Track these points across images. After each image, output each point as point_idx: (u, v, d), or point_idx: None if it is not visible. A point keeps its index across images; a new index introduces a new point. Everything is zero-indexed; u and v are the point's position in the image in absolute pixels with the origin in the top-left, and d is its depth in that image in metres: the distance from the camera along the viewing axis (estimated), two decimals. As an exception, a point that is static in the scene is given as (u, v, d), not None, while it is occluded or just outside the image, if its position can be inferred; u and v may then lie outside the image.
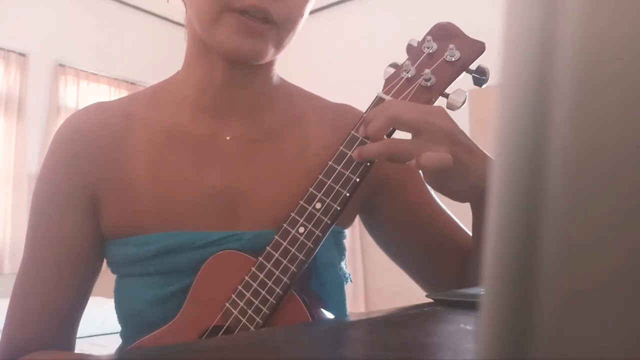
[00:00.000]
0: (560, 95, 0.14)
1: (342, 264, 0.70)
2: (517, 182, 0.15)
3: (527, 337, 0.14)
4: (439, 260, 0.73)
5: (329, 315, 0.62)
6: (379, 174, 0.69)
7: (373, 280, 3.81)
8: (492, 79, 0.60)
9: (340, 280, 0.67)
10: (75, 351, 0.72)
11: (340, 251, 0.70)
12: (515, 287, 0.14)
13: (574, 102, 0.13)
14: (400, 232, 0.74)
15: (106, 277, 0.73)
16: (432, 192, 0.74)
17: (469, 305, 0.50)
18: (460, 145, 0.54)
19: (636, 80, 0.13)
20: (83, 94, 4.16)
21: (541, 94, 0.14)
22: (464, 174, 0.55)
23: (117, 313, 0.69)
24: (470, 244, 0.69)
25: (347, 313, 0.70)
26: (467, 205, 0.61)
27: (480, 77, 0.59)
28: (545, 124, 0.14)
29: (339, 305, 0.66)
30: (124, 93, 4.31)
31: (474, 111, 3.27)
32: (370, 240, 0.79)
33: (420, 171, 0.60)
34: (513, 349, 0.14)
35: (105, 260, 0.71)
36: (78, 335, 0.71)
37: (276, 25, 0.61)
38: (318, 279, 0.65)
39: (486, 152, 0.58)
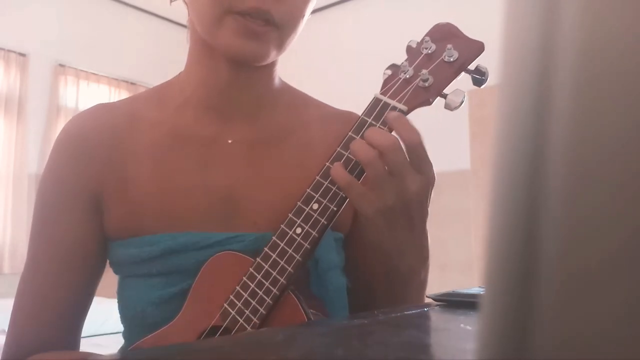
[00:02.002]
0: (561, 95, 0.14)
1: (343, 268, 0.70)
2: (517, 182, 0.15)
3: (527, 337, 0.14)
4: (358, 288, 0.74)
5: (326, 316, 0.62)
6: None
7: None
8: (492, 79, 0.60)
9: (341, 284, 0.67)
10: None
11: (341, 256, 0.70)
12: (515, 287, 0.14)
13: (574, 102, 0.13)
14: (348, 247, 0.74)
15: (107, 277, 0.73)
16: None
17: (469, 305, 0.50)
18: (405, 214, 0.57)
19: (636, 82, 0.13)
20: (83, 94, 4.16)
21: (541, 93, 0.14)
22: (382, 233, 0.59)
23: (120, 313, 0.69)
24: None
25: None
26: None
27: (479, 77, 0.59)
28: (545, 124, 0.14)
29: (341, 309, 0.66)
30: (124, 93, 4.31)
31: (473, 111, 3.27)
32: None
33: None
34: (513, 348, 0.14)
35: (108, 261, 0.71)
36: (78, 335, 0.71)
37: (277, 27, 0.62)
38: (320, 283, 0.65)
39: (425, 244, 0.62)
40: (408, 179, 0.55)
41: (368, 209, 0.56)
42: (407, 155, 0.56)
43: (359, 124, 0.59)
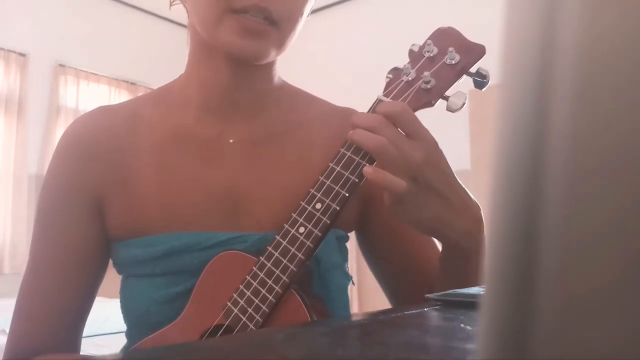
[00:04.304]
0: (560, 98, 0.14)
1: (345, 266, 0.70)
2: (517, 183, 0.15)
3: (527, 337, 0.14)
4: (406, 280, 0.75)
5: (327, 315, 0.62)
6: (371, 187, 0.69)
7: (365, 280, 3.80)
8: (492, 78, 0.60)
9: (343, 283, 0.67)
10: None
11: (344, 255, 0.70)
12: (515, 287, 0.14)
13: (573, 105, 0.13)
14: (376, 246, 0.75)
15: (107, 277, 0.73)
16: None
17: (469, 305, 0.50)
18: (426, 179, 0.55)
19: (636, 83, 0.13)
20: (83, 94, 4.16)
21: (541, 96, 0.14)
22: (419, 210, 0.56)
23: (122, 313, 0.69)
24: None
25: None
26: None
27: (480, 80, 0.59)
28: (545, 126, 0.14)
29: (342, 308, 0.66)
30: (124, 93, 4.31)
31: (474, 111, 3.27)
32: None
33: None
34: (513, 349, 0.14)
35: (110, 261, 0.71)
36: (79, 335, 0.71)
37: (277, 25, 0.62)
38: (322, 282, 0.65)
39: (468, 203, 0.59)
40: (407, 150, 0.54)
41: (399, 173, 0.54)
42: (401, 128, 0.56)
43: None
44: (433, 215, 0.57)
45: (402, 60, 0.63)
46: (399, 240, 0.74)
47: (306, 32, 0.70)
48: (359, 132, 0.55)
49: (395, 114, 0.55)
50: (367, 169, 0.55)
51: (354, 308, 3.81)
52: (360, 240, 0.78)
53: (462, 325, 0.43)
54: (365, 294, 3.88)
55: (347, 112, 0.76)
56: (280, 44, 0.64)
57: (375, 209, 0.73)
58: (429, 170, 0.55)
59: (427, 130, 0.56)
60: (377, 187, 0.55)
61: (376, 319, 0.46)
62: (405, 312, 0.49)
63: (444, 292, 0.56)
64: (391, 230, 0.73)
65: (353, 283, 0.72)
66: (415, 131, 0.56)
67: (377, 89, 0.62)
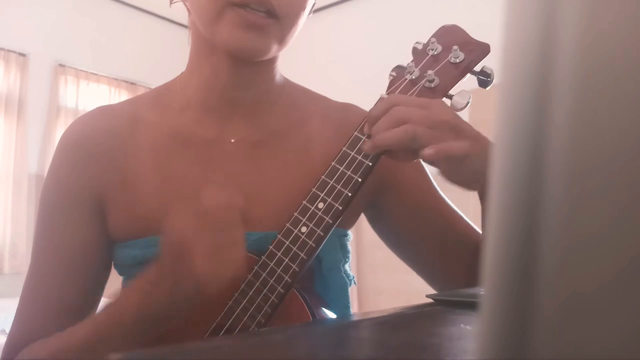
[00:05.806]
0: (560, 98, 0.14)
1: (347, 266, 0.70)
2: (517, 183, 0.15)
3: (527, 337, 0.14)
4: (447, 255, 0.73)
5: (330, 314, 0.62)
6: (384, 173, 0.68)
7: (365, 280, 3.81)
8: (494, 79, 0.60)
9: (344, 283, 0.67)
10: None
11: (345, 253, 0.70)
12: (515, 287, 0.14)
13: (573, 105, 0.13)
14: (407, 229, 0.74)
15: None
16: (439, 190, 0.74)
17: (469, 305, 0.50)
18: (465, 134, 0.54)
19: (635, 83, 0.13)
20: (83, 94, 4.15)
21: (541, 96, 0.14)
22: (469, 161, 0.54)
23: None
24: (480, 239, 0.70)
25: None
26: (474, 205, 0.61)
27: (484, 78, 0.59)
28: (545, 125, 0.14)
29: (343, 307, 0.66)
30: (124, 93, 4.31)
31: (474, 111, 3.27)
32: (364, 241, 0.80)
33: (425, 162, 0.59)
34: (513, 349, 0.14)
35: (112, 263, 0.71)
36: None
37: (278, 20, 0.61)
38: (323, 282, 0.65)
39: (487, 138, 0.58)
40: (432, 118, 0.53)
41: (446, 137, 0.53)
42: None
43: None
44: (482, 160, 0.55)
45: (403, 60, 0.63)
46: (433, 217, 0.72)
47: (306, 32, 0.70)
48: (381, 137, 0.54)
49: (394, 102, 0.55)
50: (428, 151, 0.52)
51: (354, 308, 3.78)
52: (386, 230, 0.76)
53: (462, 325, 0.42)
54: (365, 294, 3.88)
55: (347, 108, 0.76)
56: (281, 39, 0.64)
57: (398, 193, 0.72)
58: (458, 120, 0.55)
59: (426, 99, 0.56)
60: (445, 158, 0.53)
61: (376, 319, 0.46)
62: (405, 312, 0.49)
63: (444, 292, 0.56)
64: (423, 208, 0.72)
65: (354, 283, 0.72)
66: (419, 104, 0.55)
67: (377, 89, 0.62)
